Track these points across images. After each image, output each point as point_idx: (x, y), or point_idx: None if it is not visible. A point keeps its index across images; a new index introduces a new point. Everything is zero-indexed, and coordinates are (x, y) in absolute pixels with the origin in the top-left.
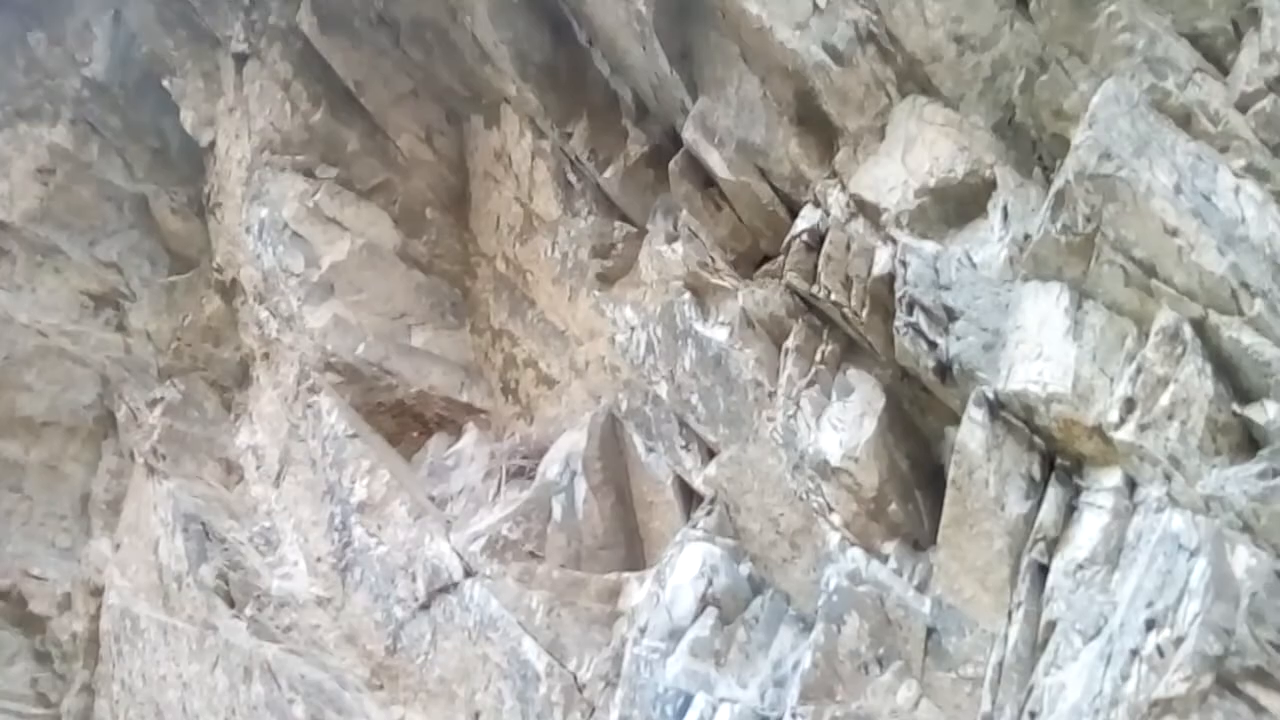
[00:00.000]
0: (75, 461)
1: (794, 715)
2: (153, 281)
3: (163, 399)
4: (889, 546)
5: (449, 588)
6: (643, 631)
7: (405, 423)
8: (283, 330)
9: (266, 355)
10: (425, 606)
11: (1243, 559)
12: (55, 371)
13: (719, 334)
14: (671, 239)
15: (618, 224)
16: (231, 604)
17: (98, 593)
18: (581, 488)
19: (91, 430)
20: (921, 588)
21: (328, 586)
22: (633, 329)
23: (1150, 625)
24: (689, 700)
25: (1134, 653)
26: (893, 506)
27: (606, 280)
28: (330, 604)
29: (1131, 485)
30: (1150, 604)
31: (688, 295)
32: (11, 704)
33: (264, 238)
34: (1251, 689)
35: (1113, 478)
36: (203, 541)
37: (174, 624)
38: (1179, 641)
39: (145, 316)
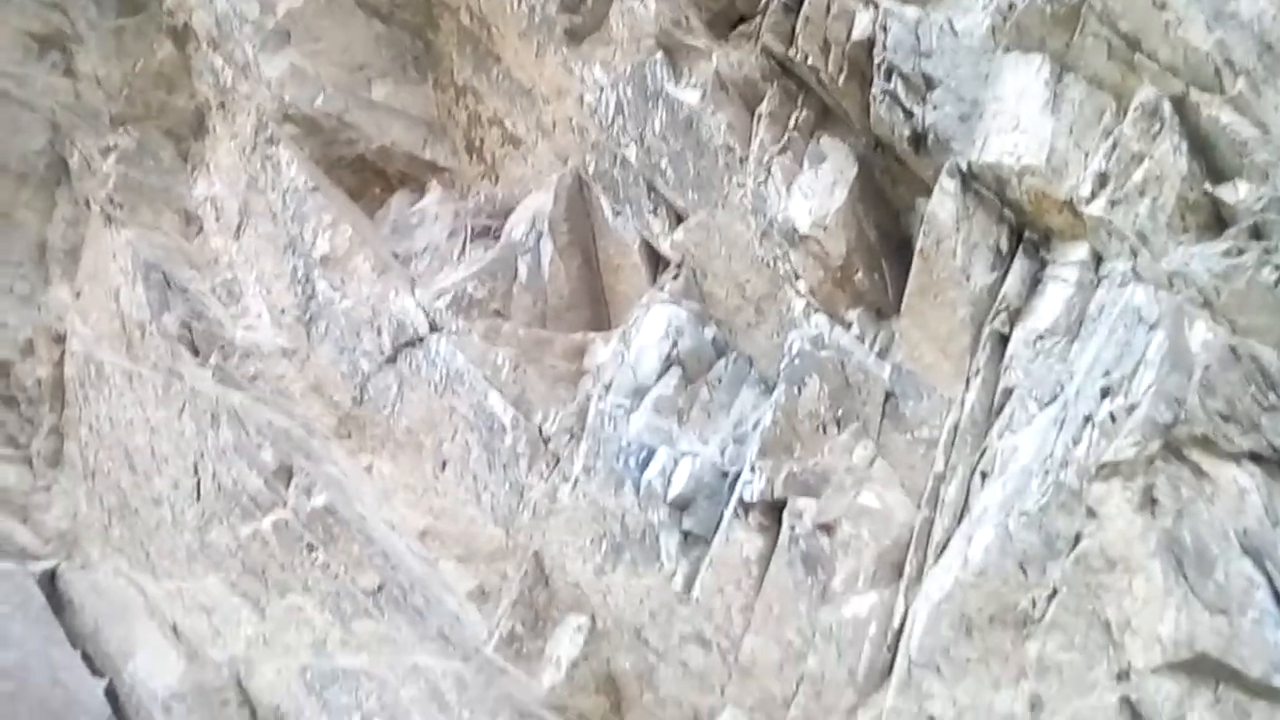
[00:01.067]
0: (28, 209)
1: (753, 469)
2: (100, 24)
3: (116, 146)
4: (853, 314)
5: (414, 342)
6: (607, 388)
7: (367, 179)
8: (238, 79)
9: (223, 105)
10: (391, 360)
11: (1200, 334)
12: (1, 116)
13: (691, 96)
14: None
15: None
16: (196, 352)
17: (60, 339)
18: (548, 249)
19: (44, 177)
20: (883, 354)
21: (292, 338)
22: (602, 89)
23: (1105, 393)
24: (651, 453)
25: (1087, 419)
26: (859, 275)
27: (575, 37)
28: (295, 355)
29: (1097, 260)
30: (1107, 373)
31: (660, 55)
32: None
33: None
34: (1196, 455)
35: (1079, 251)
36: (164, 291)
37: (139, 371)
38: (1131, 409)
39: (94, 61)
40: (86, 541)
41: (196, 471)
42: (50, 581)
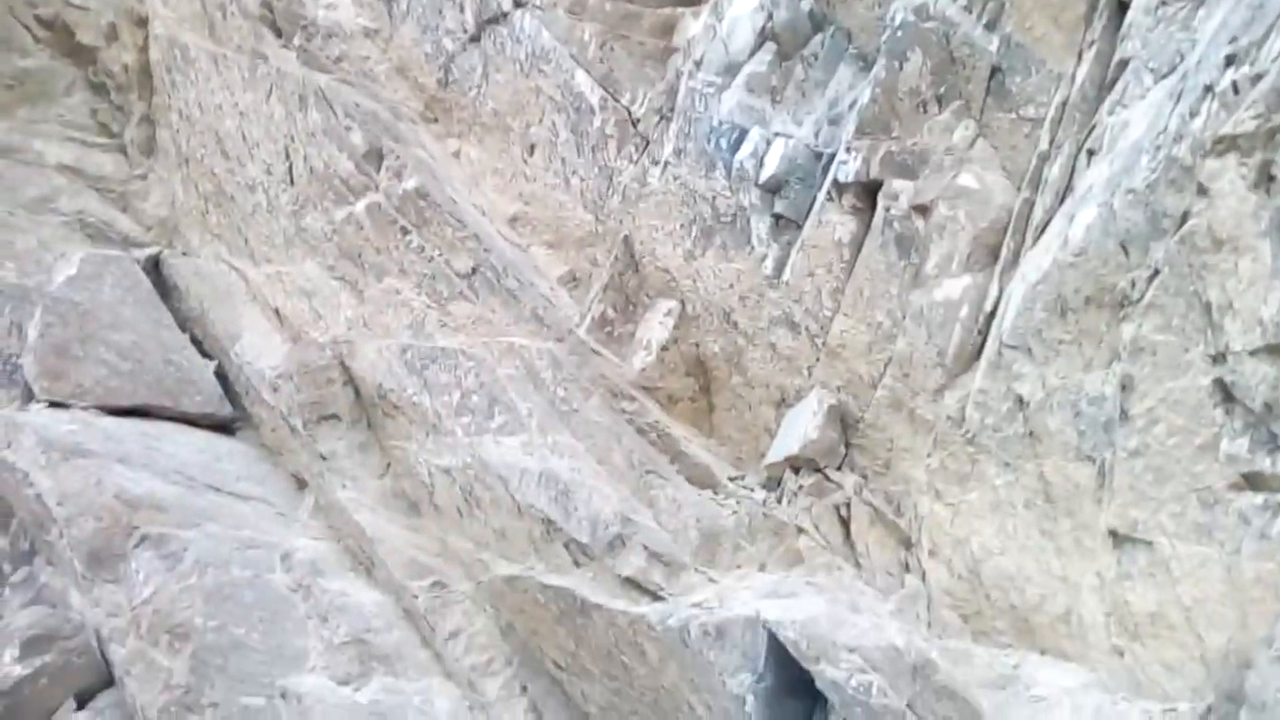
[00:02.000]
0: None
1: (848, 150)
2: None
3: None
4: None
5: (498, 18)
6: (698, 65)
7: None
8: None
9: None
10: (475, 38)
11: None
12: None
13: None
14: None
15: None
16: (279, 33)
17: (142, 23)
18: None
19: None
20: (990, 25)
21: (374, 17)
22: None
23: (1230, 61)
24: (743, 134)
25: (1208, 89)
26: None
27: None
28: (378, 35)
29: None
30: (1234, 40)
31: None
32: (76, 133)
33: None
34: None
35: None
36: None
37: (224, 53)
38: (1257, 78)
39: None
40: (186, 228)
41: (288, 155)
42: (155, 268)
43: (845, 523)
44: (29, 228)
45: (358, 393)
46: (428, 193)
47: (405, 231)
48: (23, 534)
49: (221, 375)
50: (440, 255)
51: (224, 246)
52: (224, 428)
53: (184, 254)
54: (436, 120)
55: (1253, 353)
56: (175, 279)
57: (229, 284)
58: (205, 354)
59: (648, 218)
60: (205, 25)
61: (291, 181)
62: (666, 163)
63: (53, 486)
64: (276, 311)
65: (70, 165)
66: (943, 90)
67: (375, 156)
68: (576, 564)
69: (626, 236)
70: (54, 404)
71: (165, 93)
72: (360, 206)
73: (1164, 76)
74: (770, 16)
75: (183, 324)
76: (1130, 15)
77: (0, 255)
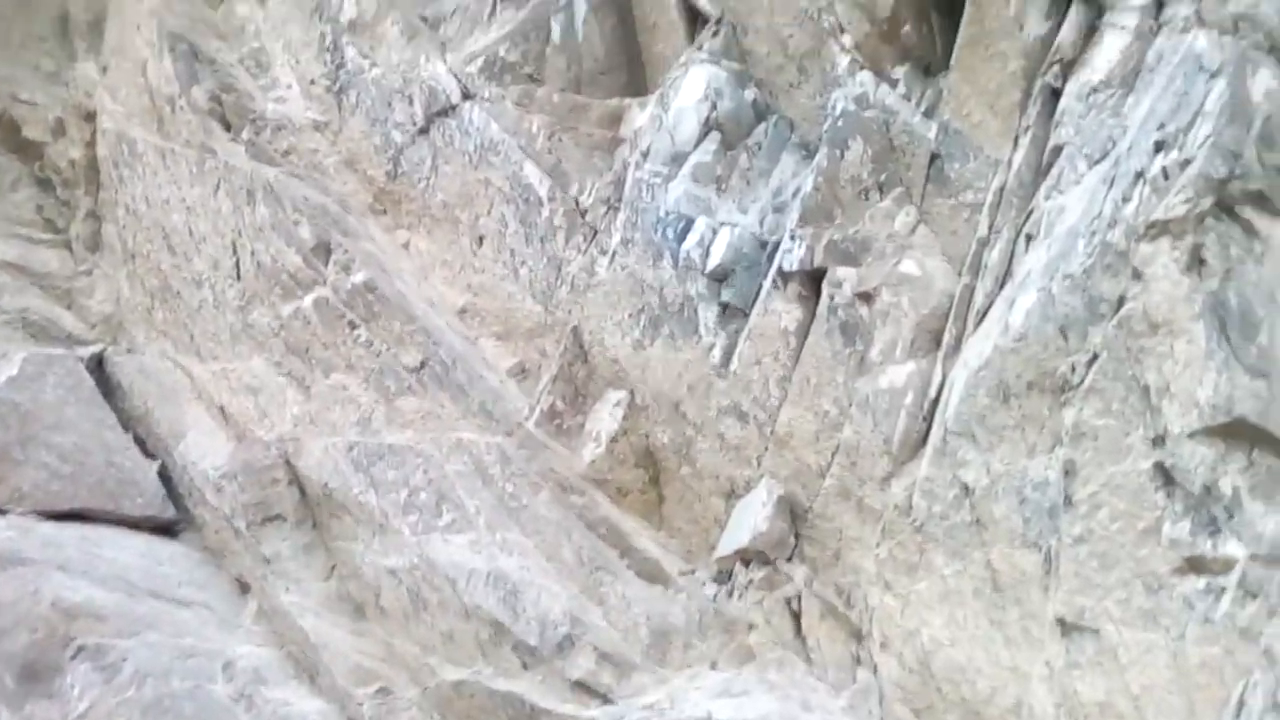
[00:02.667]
0: None
1: (792, 238)
2: None
3: None
4: (899, 71)
5: (447, 111)
6: (645, 155)
7: None
8: None
9: None
10: (424, 130)
11: (1264, 82)
12: None
13: None
14: None
15: None
16: (228, 127)
17: (90, 118)
18: (581, 7)
19: None
20: (929, 113)
21: (324, 110)
22: None
23: (1159, 147)
24: (690, 223)
25: (1139, 175)
26: (906, 28)
27: None
28: (328, 128)
29: (1158, 5)
30: (1162, 126)
31: None
32: (21, 229)
33: None
34: (1249, 213)
35: None
36: (192, 63)
37: (171, 148)
38: (1185, 164)
39: None
40: (131, 325)
41: (235, 250)
42: (98, 366)
43: (796, 616)
44: None
45: (303, 492)
46: (376, 286)
47: (353, 326)
48: None
49: (165, 476)
50: (388, 349)
51: (169, 343)
52: (166, 530)
53: (129, 351)
54: (385, 212)
55: (1191, 435)
56: (119, 377)
57: (174, 382)
58: (149, 454)
59: (596, 308)
60: (154, 120)
61: (238, 276)
62: (614, 253)
63: None
64: (221, 409)
65: (13, 262)
66: (884, 177)
67: (323, 250)
68: (525, 667)
69: (575, 327)
70: None
71: (112, 188)
72: (308, 301)
73: (1097, 162)
74: (715, 107)
75: (126, 423)
76: (1063, 102)
77: None
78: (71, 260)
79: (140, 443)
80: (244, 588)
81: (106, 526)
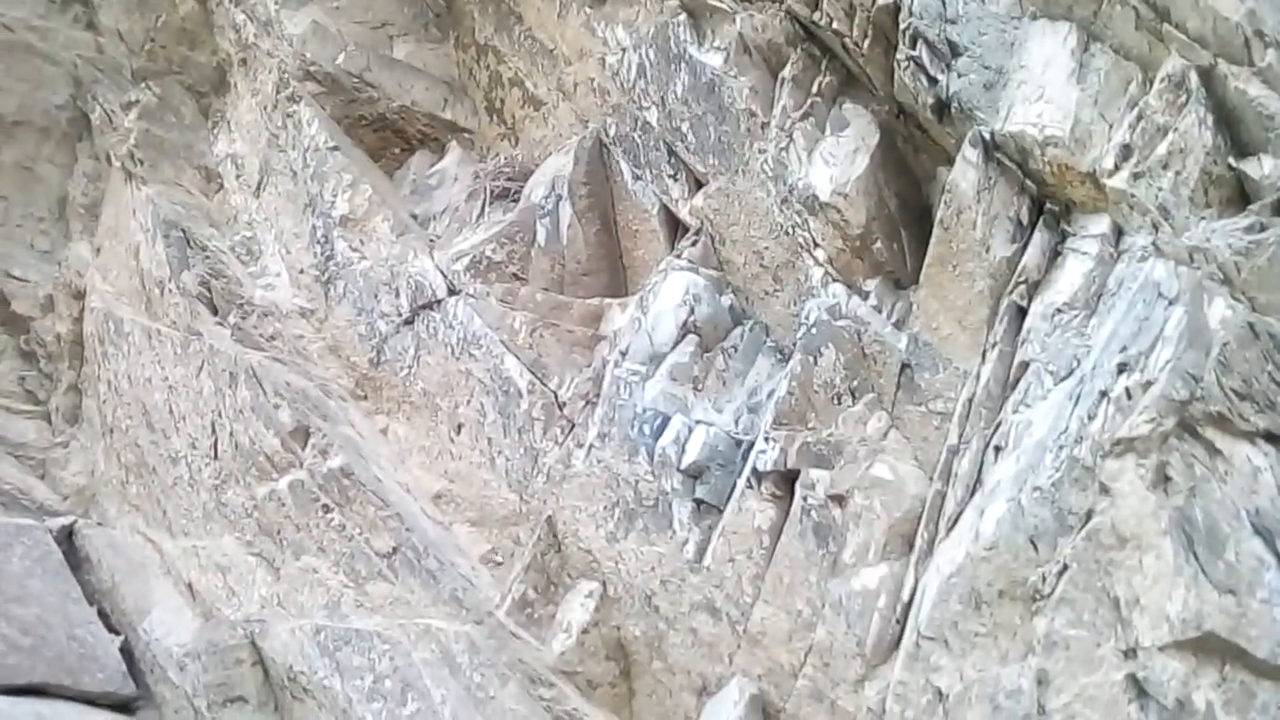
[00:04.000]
0: (50, 163)
1: (766, 439)
2: None
3: (138, 102)
4: (870, 284)
5: (432, 304)
6: (624, 354)
7: (387, 138)
8: (260, 35)
9: (244, 61)
10: (409, 322)
11: (1219, 310)
12: (24, 69)
13: (714, 60)
14: None
15: None
16: (215, 311)
17: (80, 296)
18: (566, 212)
19: (65, 132)
20: (899, 325)
21: (311, 298)
22: (624, 50)
23: (1122, 369)
24: (666, 421)
25: (1103, 394)
26: (878, 244)
27: None
28: (314, 315)
29: (1118, 233)
30: (1124, 349)
31: (683, 17)
32: (2, 399)
33: None
34: (1211, 433)
35: (1100, 225)
36: (184, 249)
37: (157, 329)
38: (1148, 385)
39: (116, 15)
40: (104, 498)
41: (214, 430)
42: (68, 538)
43: None
44: None
45: (267, 674)
46: (352, 471)
47: (327, 509)
48: None
49: (127, 651)
50: (361, 534)
51: (141, 518)
52: (124, 707)
53: (99, 524)
54: (366, 398)
55: (1162, 649)
56: (88, 550)
57: (143, 557)
58: (113, 629)
59: (571, 499)
60: (143, 301)
61: (215, 456)
62: (591, 446)
63: None
64: (190, 586)
65: None
66: (856, 383)
67: (302, 434)
68: None
69: (550, 517)
70: None
71: (96, 363)
72: (283, 483)
73: (1063, 379)
74: (692, 311)
75: (91, 596)
76: (1029, 321)
77: None
78: (49, 431)
79: (104, 616)
80: None
81: (63, 702)
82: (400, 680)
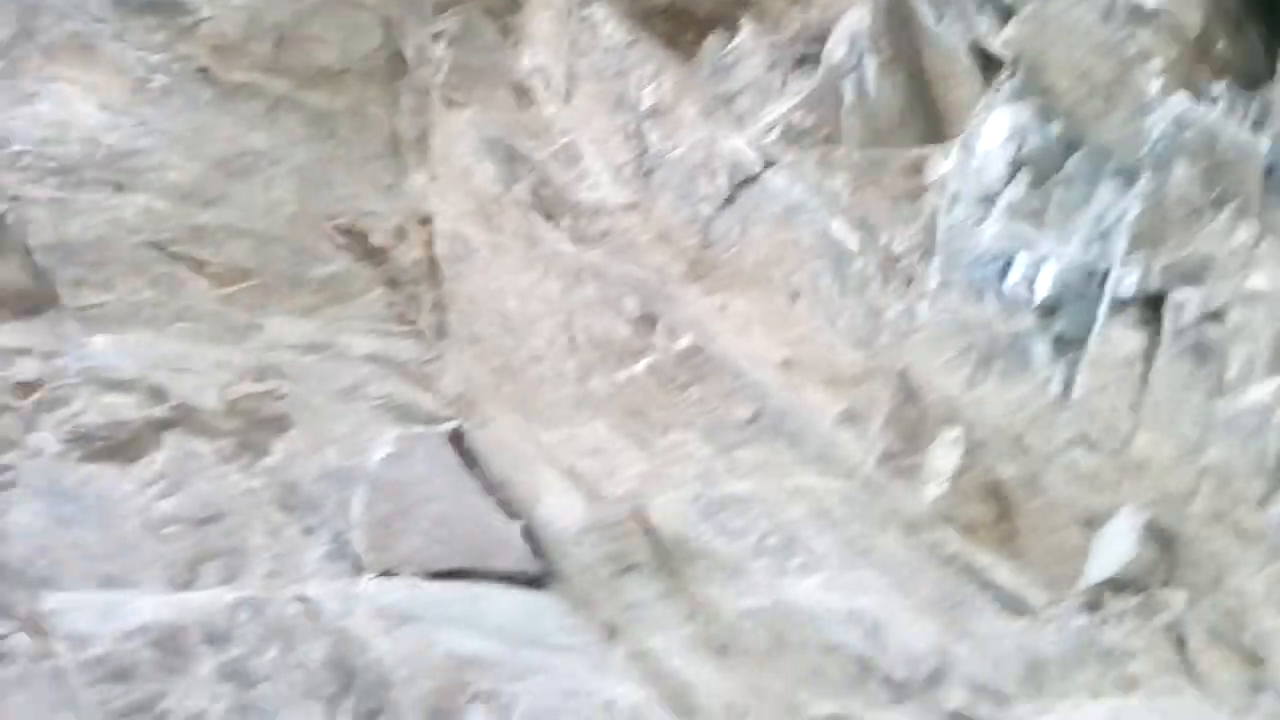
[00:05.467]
0: (377, 104)
1: (1124, 264)
2: None
3: (444, 32)
4: (1218, 87)
5: (750, 180)
6: (954, 199)
7: (680, 24)
8: None
9: None
10: (730, 200)
11: None
12: (338, 20)
13: None
14: None
15: None
16: (549, 217)
17: (426, 221)
18: (871, 67)
19: (385, 72)
20: (1258, 125)
21: (634, 192)
22: None
23: None
24: (1010, 260)
25: None
26: (1220, 44)
27: None
28: (639, 208)
29: None
30: None
31: None
32: (378, 325)
33: None
34: None
35: None
36: (510, 164)
37: (499, 242)
38: None
39: None
40: (481, 402)
41: (568, 327)
42: (458, 440)
43: (1180, 643)
44: (344, 414)
45: (656, 543)
46: (701, 349)
47: (684, 387)
48: (366, 696)
49: (528, 534)
50: (720, 405)
51: (518, 416)
52: (535, 583)
53: (482, 425)
54: (701, 279)
55: None
56: (476, 449)
57: (525, 450)
58: (512, 514)
59: (921, 350)
60: (482, 217)
61: (573, 350)
62: (935, 295)
63: (390, 650)
64: (571, 471)
65: (375, 354)
66: (1216, 194)
67: (649, 320)
68: (896, 700)
69: (901, 370)
70: (382, 574)
71: (452, 281)
72: (640, 367)
73: None
74: (1021, 145)
75: (487, 490)
76: None
77: (321, 441)
78: (424, 348)
79: (504, 505)
80: (611, 633)
81: (481, 583)
82: (783, 537)
